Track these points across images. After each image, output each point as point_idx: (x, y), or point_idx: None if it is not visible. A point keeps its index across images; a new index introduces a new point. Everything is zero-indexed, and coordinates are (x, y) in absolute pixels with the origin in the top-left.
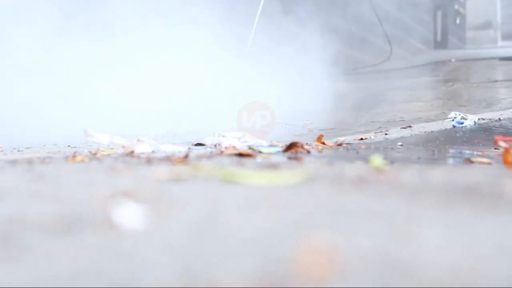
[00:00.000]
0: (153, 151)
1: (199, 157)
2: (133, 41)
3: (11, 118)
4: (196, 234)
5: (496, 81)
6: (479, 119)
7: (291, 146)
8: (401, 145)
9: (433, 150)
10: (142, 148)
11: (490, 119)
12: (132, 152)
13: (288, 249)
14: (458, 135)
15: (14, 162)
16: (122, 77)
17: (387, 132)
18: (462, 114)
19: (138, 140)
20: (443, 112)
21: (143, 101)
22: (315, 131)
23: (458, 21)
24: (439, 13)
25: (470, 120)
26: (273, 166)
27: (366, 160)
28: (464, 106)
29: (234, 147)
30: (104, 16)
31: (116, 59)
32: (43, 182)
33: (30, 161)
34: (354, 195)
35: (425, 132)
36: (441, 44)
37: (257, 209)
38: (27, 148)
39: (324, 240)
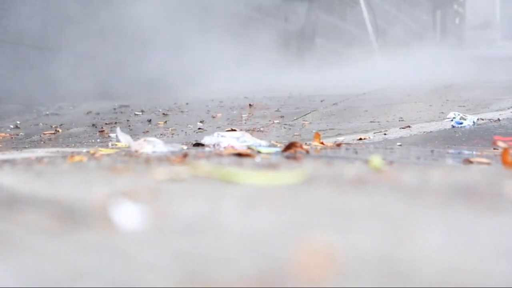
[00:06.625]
0: (154, 152)
1: (198, 157)
2: None
3: None
4: (194, 234)
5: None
6: (478, 119)
7: (290, 146)
8: (400, 145)
9: (432, 150)
10: (143, 148)
11: (489, 119)
12: (132, 152)
13: (286, 249)
14: (457, 135)
15: (12, 162)
16: None
17: (386, 132)
18: (461, 114)
19: (145, 140)
20: (442, 112)
21: None
22: None
23: (457, 21)
24: (439, 13)
25: (469, 120)
26: (272, 166)
27: (365, 160)
28: (463, 106)
29: (233, 147)
30: None
31: None
32: (41, 182)
33: (28, 161)
34: (353, 195)
35: (424, 132)
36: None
37: (256, 209)
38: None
39: (322, 240)
